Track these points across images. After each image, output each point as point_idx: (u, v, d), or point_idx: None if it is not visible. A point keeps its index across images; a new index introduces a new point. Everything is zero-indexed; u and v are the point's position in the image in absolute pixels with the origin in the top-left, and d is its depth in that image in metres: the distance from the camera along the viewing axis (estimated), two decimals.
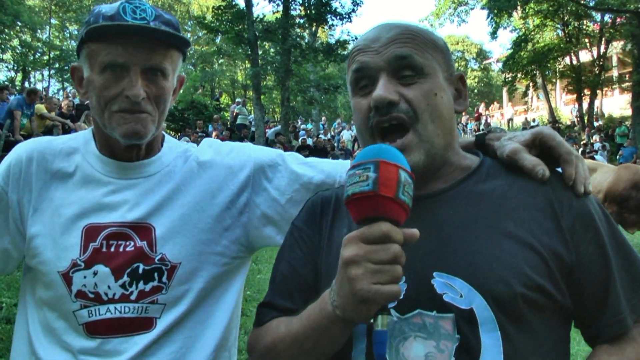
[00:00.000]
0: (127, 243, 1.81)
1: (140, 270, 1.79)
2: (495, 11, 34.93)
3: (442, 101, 1.57)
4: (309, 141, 25.49)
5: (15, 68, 48.22)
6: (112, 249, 1.79)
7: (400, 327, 1.40)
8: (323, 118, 40.78)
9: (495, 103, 54.46)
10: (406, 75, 1.55)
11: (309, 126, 35.36)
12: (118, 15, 1.72)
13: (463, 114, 46.62)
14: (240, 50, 29.38)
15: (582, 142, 29.79)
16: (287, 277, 1.67)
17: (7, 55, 44.85)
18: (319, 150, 22.65)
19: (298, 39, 26.50)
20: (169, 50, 1.80)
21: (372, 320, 1.28)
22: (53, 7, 51.35)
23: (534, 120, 39.38)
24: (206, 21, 28.26)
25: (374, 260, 1.23)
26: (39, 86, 48.96)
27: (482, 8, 37.43)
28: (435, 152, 1.55)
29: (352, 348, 1.47)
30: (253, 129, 26.21)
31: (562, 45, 36.16)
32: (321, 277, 1.61)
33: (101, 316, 1.75)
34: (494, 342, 1.36)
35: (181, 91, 2.10)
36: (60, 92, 40.98)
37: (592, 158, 24.49)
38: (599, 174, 12.92)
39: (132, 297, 1.78)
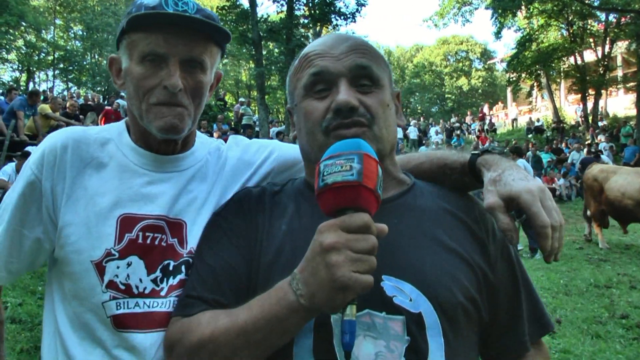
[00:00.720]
0: (162, 237, 1.80)
1: (171, 267, 1.79)
2: (500, 11, 34.89)
3: (391, 113, 1.70)
4: None
5: (20, 68, 48.43)
6: (148, 241, 1.78)
7: None
8: None
9: (499, 103, 54.37)
10: (364, 84, 1.64)
11: None
12: (159, 7, 1.71)
13: (468, 113, 46.47)
14: (244, 50, 29.50)
15: (586, 142, 29.72)
16: (216, 270, 1.66)
17: (12, 56, 45.10)
18: None
19: (302, 39, 26.50)
20: (209, 44, 1.80)
21: (341, 310, 1.31)
22: (57, 8, 51.53)
23: (538, 120, 39.37)
24: None
25: (355, 249, 1.27)
26: (44, 86, 49.20)
27: (487, 8, 37.46)
28: (383, 153, 1.65)
29: (293, 344, 1.48)
30: (257, 129, 26.24)
31: (566, 45, 36.07)
32: (258, 271, 1.62)
33: (130, 310, 1.73)
34: (438, 346, 1.46)
35: None
36: (65, 92, 40.99)
37: (598, 157, 24.52)
38: (620, 177, 13.07)
39: (162, 293, 1.77)
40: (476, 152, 1.76)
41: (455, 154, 1.85)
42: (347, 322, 1.30)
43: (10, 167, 11.60)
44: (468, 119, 45.06)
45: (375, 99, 1.63)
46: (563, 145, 30.94)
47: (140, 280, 1.75)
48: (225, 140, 2.14)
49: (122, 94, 13.39)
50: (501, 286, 1.64)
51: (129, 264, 1.74)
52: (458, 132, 38.19)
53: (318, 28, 31.86)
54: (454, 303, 1.49)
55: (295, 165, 2.05)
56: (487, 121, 42.84)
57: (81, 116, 17.50)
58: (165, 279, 1.78)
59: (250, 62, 34.79)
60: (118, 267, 1.73)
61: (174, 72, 1.72)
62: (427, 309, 1.46)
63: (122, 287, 1.73)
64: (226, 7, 25.56)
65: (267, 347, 1.44)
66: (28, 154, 10.78)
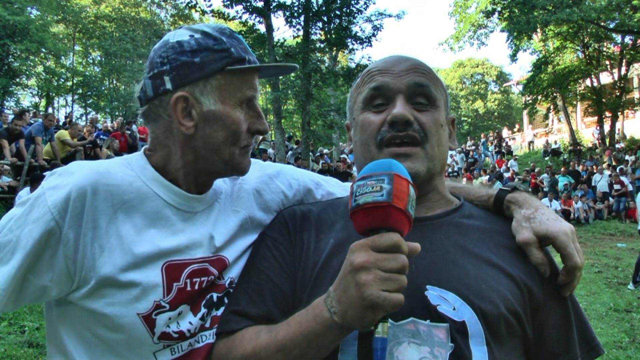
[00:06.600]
0: (209, 278, 1.78)
1: (215, 299, 1.80)
2: (515, 34, 34.87)
3: (444, 134, 1.75)
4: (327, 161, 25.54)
5: (40, 94, 48.99)
6: (196, 287, 1.75)
7: (393, 332, 1.48)
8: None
9: (505, 129, 54.07)
10: (420, 102, 1.70)
11: (325, 149, 35.45)
12: (245, 51, 1.79)
13: (481, 136, 46.33)
14: None
15: (604, 164, 29.47)
16: (261, 286, 1.71)
17: (32, 82, 45.58)
18: (339, 174, 22.70)
19: (318, 63, 26.61)
20: None
21: (372, 328, 1.34)
22: (77, 34, 52.21)
23: (555, 143, 39.22)
24: None
25: (384, 268, 1.30)
26: (62, 111, 49.78)
27: (502, 31, 37.41)
28: (433, 171, 1.71)
29: (339, 352, 1.52)
30: (273, 152, 26.30)
31: (582, 68, 35.97)
32: (303, 288, 1.66)
33: (183, 351, 1.75)
34: (481, 355, 1.48)
35: None
36: (83, 117, 41.45)
37: (618, 178, 24.34)
38: None
39: (207, 325, 1.78)
40: (506, 188, 1.84)
41: (476, 187, 1.96)
42: (379, 340, 1.33)
43: (26, 191, 11.73)
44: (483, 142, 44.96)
45: (429, 118, 1.70)
46: (580, 167, 30.73)
47: (190, 323, 1.75)
48: None
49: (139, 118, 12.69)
50: (552, 307, 1.66)
51: (180, 314, 1.72)
52: (474, 155, 38.01)
53: (334, 52, 32.05)
54: (496, 314, 1.51)
55: (318, 187, 2.11)
56: (504, 144, 42.69)
57: (103, 149, 17.49)
58: (209, 312, 1.78)
59: (267, 86, 34.97)
60: (170, 319, 1.69)
61: (261, 115, 1.84)
62: (470, 318, 1.49)
63: (175, 336, 1.72)
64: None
65: None
66: (40, 177, 10.87)
